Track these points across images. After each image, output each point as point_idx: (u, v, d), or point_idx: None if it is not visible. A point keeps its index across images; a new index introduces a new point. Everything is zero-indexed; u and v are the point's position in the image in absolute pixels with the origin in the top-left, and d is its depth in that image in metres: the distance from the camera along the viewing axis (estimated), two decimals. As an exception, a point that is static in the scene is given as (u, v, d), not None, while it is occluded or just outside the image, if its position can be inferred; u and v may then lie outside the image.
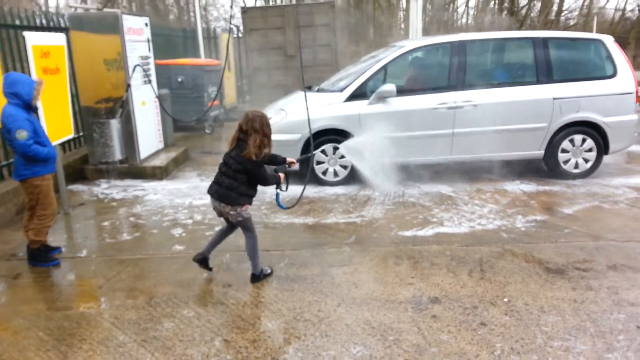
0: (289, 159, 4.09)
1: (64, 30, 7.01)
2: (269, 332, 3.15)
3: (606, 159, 6.72)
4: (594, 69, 6.63)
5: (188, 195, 6.16)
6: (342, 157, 6.36)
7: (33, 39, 4.97)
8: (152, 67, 7.67)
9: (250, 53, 14.51)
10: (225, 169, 3.68)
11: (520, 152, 6.57)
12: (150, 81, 7.50)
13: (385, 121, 6.18)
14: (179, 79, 10.05)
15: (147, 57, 7.46)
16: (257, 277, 3.88)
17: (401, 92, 6.34)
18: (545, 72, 6.48)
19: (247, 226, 3.81)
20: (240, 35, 15.22)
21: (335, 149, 6.35)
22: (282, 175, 3.91)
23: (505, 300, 3.54)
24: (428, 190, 6.18)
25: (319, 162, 6.40)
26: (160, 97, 7.80)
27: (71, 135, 5.72)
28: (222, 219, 3.97)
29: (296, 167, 4.22)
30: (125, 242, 4.73)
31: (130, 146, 6.99)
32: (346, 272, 3.99)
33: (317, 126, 6.29)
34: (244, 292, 3.67)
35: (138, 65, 7.08)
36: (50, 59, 5.26)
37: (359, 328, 3.20)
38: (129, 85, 6.83)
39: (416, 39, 8.21)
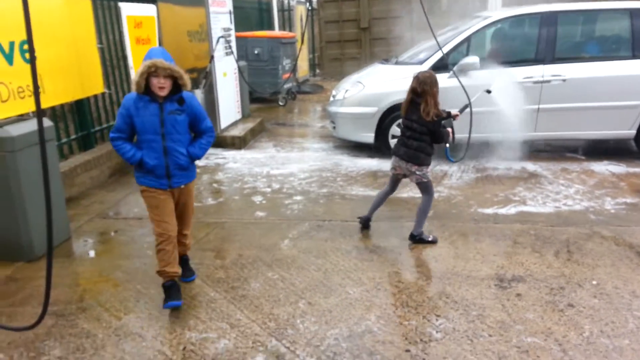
0: (453, 112, 4.16)
1: (153, 1, 7.30)
2: (350, 299, 3.23)
3: None
4: None
5: (265, 164, 6.33)
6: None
7: (127, 10, 5.24)
8: (233, 39, 7.84)
9: (323, 25, 14.48)
10: (410, 133, 3.91)
11: (610, 131, 6.20)
12: (231, 53, 7.68)
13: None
14: (256, 51, 10.22)
15: (228, 29, 7.64)
16: (414, 237, 4.02)
17: (485, 65, 6.12)
18: (641, 46, 6.03)
19: (428, 187, 4.02)
20: (314, 7, 15.17)
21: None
22: (449, 130, 3.99)
23: (594, 282, 3.42)
24: (509, 167, 5.99)
25: (394, 137, 6.35)
26: (239, 69, 7.99)
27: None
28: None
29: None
30: (211, 207, 4.96)
31: (212, 116, 7.24)
32: (425, 246, 3.99)
33: (392, 100, 6.22)
34: (324, 260, 3.77)
35: (221, 37, 7.27)
36: (142, 30, 5.52)
37: (441, 301, 3.21)
38: (212, 57, 7.04)
39: (503, 9, 7.85)
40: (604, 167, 5.96)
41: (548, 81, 6.00)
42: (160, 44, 7.18)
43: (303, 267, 3.67)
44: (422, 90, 3.76)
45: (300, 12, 13.75)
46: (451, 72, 6.09)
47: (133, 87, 2.96)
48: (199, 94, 7.03)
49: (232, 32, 7.82)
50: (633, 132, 6.18)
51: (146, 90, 2.94)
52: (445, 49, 6.28)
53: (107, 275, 3.62)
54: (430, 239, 4.05)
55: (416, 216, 4.07)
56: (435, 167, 6.07)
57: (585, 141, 6.35)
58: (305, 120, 9.26)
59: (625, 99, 5.98)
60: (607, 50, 6.35)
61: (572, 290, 3.33)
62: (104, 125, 6.20)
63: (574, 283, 3.42)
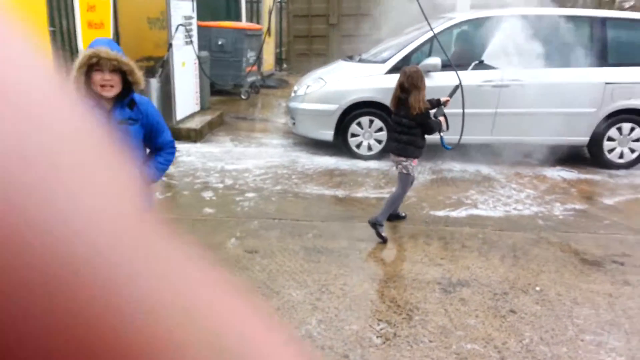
0: (442, 99, 4.21)
1: (109, -15, 7.01)
2: (293, 302, 3.15)
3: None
4: None
5: (220, 159, 6.18)
6: (378, 131, 6.24)
7: (78, -8, 4.99)
8: (194, 27, 7.63)
9: (292, 19, 14.32)
10: (400, 128, 4.00)
11: (565, 137, 6.30)
12: (191, 42, 7.47)
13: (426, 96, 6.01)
14: (219, 42, 9.99)
15: (190, 18, 7.42)
16: (374, 224, 4.00)
17: (446, 66, 6.13)
18: (599, 55, 6.15)
19: (404, 180, 4.08)
20: (283, 0, 14.99)
21: (371, 121, 6.23)
22: (442, 118, 4.07)
23: (538, 289, 3.44)
24: (464, 169, 6.02)
25: (353, 135, 6.30)
26: (199, 59, 7.79)
27: (110, 92, 5.78)
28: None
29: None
30: (156, 202, 4.79)
31: (168, 107, 7.02)
32: (374, 247, 3.95)
33: (353, 98, 6.17)
34: (270, 260, 3.67)
35: (181, 25, 7.05)
36: (95, 13, 5.29)
37: (384, 305, 3.17)
38: (170, 45, 6.82)
39: (468, 11, 7.89)
40: (556, 173, 6.07)
41: (507, 85, 6.06)
42: (116, 29, 6.92)
43: (247, 267, 3.56)
44: (410, 84, 3.84)
45: (268, 4, 13.56)
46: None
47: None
48: (154, 84, 6.81)
49: (194, 21, 7.60)
50: (586, 139, 6.30)
51: (87, 90, 2.32)
52: (408, 49, 6.26)
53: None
54: (383, 234, 4.03)
55: (384, 204, 4.13)
56: (392, 168, 6.04)
57: (540, 146, 6.44)
58: (266, 115, 9.12)
59: (581, 106, 6.08)
60: (566, 57, 6.44)
61: (515, 296, 3.34)
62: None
63: (517, 289, 3.43)
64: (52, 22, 5.59)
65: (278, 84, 12.22)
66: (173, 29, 6.84)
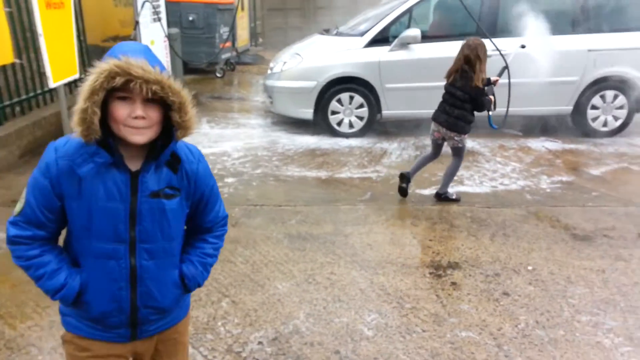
0: (493, 78, 4.18)
1: (67, -39, 6.57)
2: (279, 295, 3.00)
3: (636, 117, 6.31)
4: (633, 19, 6.11)
5: (197, 142, 5.92)
6: (359, 107, 6.05)
7: (32, -30, 4.61)
8: (162, 3, 7.25)
9: (264, -8, 13.87)
10: (452, 100, 4.05)
11: (548, 107, 6.21)
12: (159, 19, 7.10)
13: (406, 70, 5.84)
14: (190, 18, 9.58)
15: (156, -7, 7.04)
16: (440, 196, 4.28)
17: (426, 38, 5.93)
18: (581, 21, 6.01)
19: (460, 153, 4.23)
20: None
21: (351, 98, 6.03)
22: (491, 97, 4.07)
23: (530, 268, 3.35)
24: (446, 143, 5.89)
25: (333, 112, 6.10)
26: (170, 37, 7.43)
27: (76, 76, 5.44)
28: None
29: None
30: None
31: (138, 89, 6.71)
32: (361, 232, 3.80)
33: (332, 74, 5.96)
34: (253, 250, 3.50)
35: (147, 1, 6.68)
36: (52, -8, 4.91)
37: (374, 294, 3.04)
38: (137, 23, 6.47)
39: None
40: (541, 144, 5.98)
41: (489, 56, 5.87)
42: (78, 7, 6.52)
43: (229, 259, 3.39)
44: (475, 56, 3.89)
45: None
46: (394, 44, 5.88)
47: (72, 123, 1.33)
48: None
49: (162, -3, 7.22)
50: (570, 107, 6.21)
51: (103, 134, 1.35)
52: (386, 21, 6.03)
53: (5, 275, 3.21)
54: (454, 197, 4.29)
55: (443, 177, 4.31)
56: (375, 145, 5.89)
57: (523, 117, 6.33)
58: (243, 93, 8.83)
59: (564, 74, 5.96)
60: (548, 24, 6.27)
61: (508, 277, 3.25)
62: (14, 100, 5.58)
63: (509, 269, 3.33)
64: (7, 3, 5.21)
65: (254, 60, 11.87)
66: (139, 5, 6.47)
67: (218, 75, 9.93)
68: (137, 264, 1.44)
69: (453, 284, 3.16)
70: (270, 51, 12.99)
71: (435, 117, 4.21)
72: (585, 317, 2.84)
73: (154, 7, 6.91)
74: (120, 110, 1.32)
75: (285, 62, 6.32)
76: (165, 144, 1.41)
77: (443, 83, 5.90)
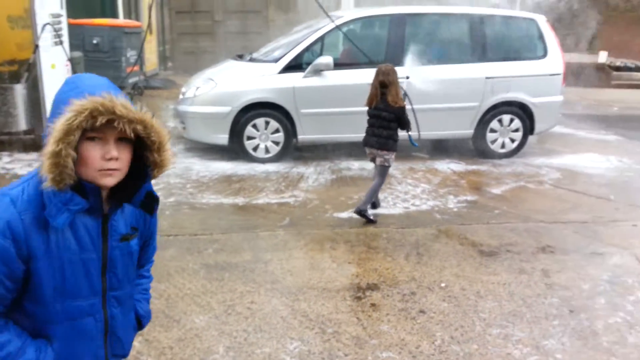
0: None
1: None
2: (197, 329, 2.87)
3: (529, 139, 6.88)
4: (526, 48, 6.72)
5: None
6: (275, 132, 6.07)
7: None
8: (64, 26, 6.87)
9: (174, 16, 13.64)
10: (379, 122, 4.40)
11: (452, 131, 6.58)
12: (61, 42, 6.71)
13: (320, 96, 5.97)
14: (95, 41, 9.16)
15: (58, 15, 6.65)
16: (359, 212, 4.41)
17: (338, 65, 6.11)
18: (479, 50, 6.50)
19: (384, 173, 4.54)
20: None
21: (267, 123, 6.04)
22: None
23: (443, 285, 3.48)
24: (362, 167, 6.06)
25: (249, 138, 6.06)
26: (72, 61, 7.03)
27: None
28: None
29: None
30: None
31: (37, 115, 6.24)
32: (280, 258, 3.77)
33: (247, 99, 5.94)
34: (167, 284, 3.34)
35: (48, 23, 6.30)
36: None
37: (296, 321, 3.00)
38: (37, 46, 6.06)
39: (354, 10, 7.97)
40: (446, 166, 6.32)
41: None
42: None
43: (142, 294, 3.20)
44: (389, 80, 4.30)
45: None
46: (307, 70, 5.99)
47: (42, 170, 1.17)
48: (20, 90, 6.03)
49: (64, 19, 6.83)
50: (471, 131, 6.63)
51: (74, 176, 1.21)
52: (300, 48, 6.14)
53: None
54: (371, 217, 4.43)
55: (366, 194, 4.51)
56: (292, 170, 5.92)
57: (429, 140, 6.67)
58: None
59: (465, 100, 6.38)
60: (450, 53, 6.72)
61: (423, 295, 3.35)
62: None
63: (424, 287, 3.45)
64: None
65: (164, 85, 11.54)
66: (39, 28, 6.08)
67: (126, 100, 9.52)
68: (108, 315, 1.35)
69: (372, 305, 3.21)
70: (180, 75, 12.72)
71: (366, 142, 4.52)
72: (496, 330, 2.99)
73: (55, 30, 6.52)
74: (93, 151, 1.20)
75: (198, 87, 6.20)
76: (137, 186, 1.30)
77: (356, 108, 6.12)
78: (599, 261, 3.87)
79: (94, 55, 9.03)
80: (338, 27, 5.87)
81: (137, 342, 2.72)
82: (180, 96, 6.50)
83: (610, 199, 5.27)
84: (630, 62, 17.65)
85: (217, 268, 3.58)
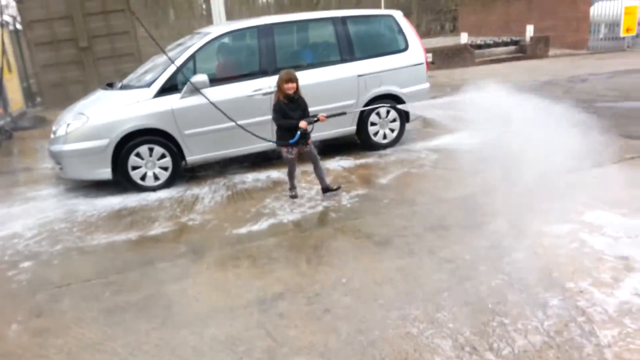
0: (319, 115, 5.17)
1: None
2: (104, 379, 2.79)
3: (407, 126, 7.36)
4: (389, 43, 7.17)
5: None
6: (161, 158, 5.93)
7: None
8: None
9: (34, 48, 12.74)
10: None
11: (337, 129, 6.85)
12: None
13: (201, 114, 5.95)
14: (-57, 87, 8.32)
15: None
16: (325, 190, 5.35)
17: (214, 81, 6.11)
18: (348, 51, 6.82)
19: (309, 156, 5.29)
20: (18, 28, 13.20)
21: (151, 150, 5.89)
22: (303, 123, 4.97)
23: (344, 281, 3.66)
24: (256, 178, 6.14)
25: (134, 167, 5.87)
26: None
27: None
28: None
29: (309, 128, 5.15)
30: None
31: None
32: (184, 286, 3.73)
33: (124, 128, 5.76)
34: (66, 337, 3.18)
35: None
36: None
37: (206, 347, 3.01)
38: None
39: (221, 25, 7.98)
40: (337, 163, 6.59)
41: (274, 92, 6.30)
42: None
43: (39, 355, 3.03)
44: (276, 84, 5.07)
45: None
46: (183, 91, 5.95)
47: None
48: None
49: None
50: (354, 127, 6.96)
51: None
52: (172, 69, 6.05)
53: None
54: (335, 187, 5.39)
55: (318, 176, 5.32)
56: (186, 192, 5.83)
57: (318, 141, 6.89)
58: (27, 162, 7.93)
59: (342, 99, 6.67)
60: (321, 57, 6.98)
61: (327, 294, 3.51)
62: None
63: (327, 287, 3.60)
64: None
65: (34, 123, 10.76)
66: None
67: (-8, 146, 8.76)
68: None
69: (279, 314, 3.30)
70: (51, 110, 11.93)
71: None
72: (394, 312, 3.22)
73: None
74: None
75: (69, 124, 5.89)
76: None
77: (240, 122, 6.17)
78: (478, 231, 4.28)
79: (-55, 103, 8.20)
80: (179, 69, 5.95)
81: (39, 408, 2.59)
82: (52, 135, 6.12)
83: (463, 171, 5.70)
84: (489, 39, 19.39)
85: (117, 311, 3.46)
